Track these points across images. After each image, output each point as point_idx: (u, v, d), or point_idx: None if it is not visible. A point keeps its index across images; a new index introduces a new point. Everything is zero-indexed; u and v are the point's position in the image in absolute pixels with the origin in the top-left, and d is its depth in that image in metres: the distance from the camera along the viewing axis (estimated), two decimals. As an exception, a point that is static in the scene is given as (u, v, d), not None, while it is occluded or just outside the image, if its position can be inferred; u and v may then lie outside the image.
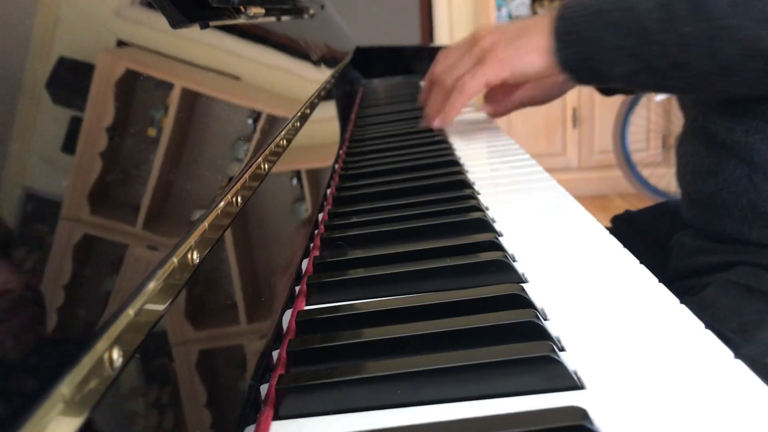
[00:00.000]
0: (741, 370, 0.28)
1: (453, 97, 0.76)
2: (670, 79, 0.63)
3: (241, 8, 0.59)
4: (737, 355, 0.29)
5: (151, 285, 0.25)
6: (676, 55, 0.60)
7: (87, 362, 0.20)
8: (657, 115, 3.04)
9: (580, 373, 0.29)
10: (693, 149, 0.72)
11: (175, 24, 0.43)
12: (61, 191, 0.25)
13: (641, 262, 0.40)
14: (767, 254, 0.63)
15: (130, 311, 0.23)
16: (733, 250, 0.66)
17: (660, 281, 0.37)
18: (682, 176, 0.75)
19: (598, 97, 3.09)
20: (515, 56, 0.71)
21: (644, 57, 0.62)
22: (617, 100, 2.83)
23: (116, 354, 0.21)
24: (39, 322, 0.21)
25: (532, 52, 0.70)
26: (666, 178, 2.82)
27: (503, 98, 0.89)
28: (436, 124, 0.80)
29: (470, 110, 1.03)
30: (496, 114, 0.93)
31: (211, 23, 0.50)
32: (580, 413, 0.26)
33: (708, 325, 0.32)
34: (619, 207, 2.80)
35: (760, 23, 0.56)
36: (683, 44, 0.59)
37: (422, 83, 0.92)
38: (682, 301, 0.34)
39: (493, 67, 0.72)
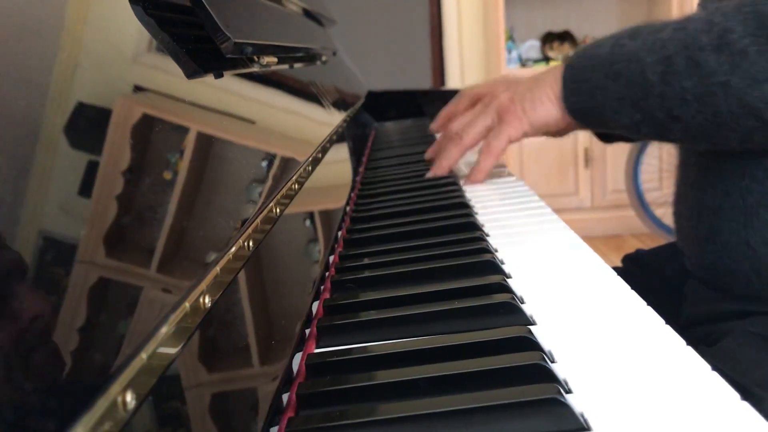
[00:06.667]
0: (748, 412, 0.29)
1: (482, 160, 0.79)
2: (670, 132, 0.64)
3: (255, 58, 0.61)
4: (762, 411, 0.29)
5: (164, 329, 0.25)
6: (675, 107, 0.61)
7: (101, 405, 0.20)
8: (669, 155, 3.04)
9: (586, 416, 0.29)
10: (687, 213, 0.72)
11: (190, 74, 0.45)
12: (78, 235, 0.26)
13: (652, 303, 0.41)
14: None
15: (143, 355, 0.23)
16: (747, 299, 0.65)
17: (671, 323, 0.38)
18: (680, 238, 0.75)
19: (609, 137, 3.11)
20: (531, 109, 0.72)
21: (645, 108, 0.63)
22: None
23: (129, 397, 0.22)
24: (55, 365, 0.21)
25: (547, 102, 0.71)
26: (680, 217, 2.81)
27: None
28: (465, 183, 0.82)
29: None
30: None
31: (225, 73, 0.52)
32: (587, 456, 0.26)
33: (729, 379, 0.31)
34: (633, 247, 2.79)
35: (752, 83, 0.56)
36: (680, 98, 0.60)
37: (432, 126, 0.94)
38: (699, 351, 0.34)
39: (513, 124, 0.73)
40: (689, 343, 0.35)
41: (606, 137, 0.90)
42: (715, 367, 0.32)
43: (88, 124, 0.31)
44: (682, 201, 0.74)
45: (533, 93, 0.72)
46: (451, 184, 0.78)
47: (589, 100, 0.67)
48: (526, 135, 0.74)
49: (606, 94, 0.65)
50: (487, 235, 0.58)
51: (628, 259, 0.89)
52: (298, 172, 0.55)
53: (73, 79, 0.32)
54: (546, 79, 0.72)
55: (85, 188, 0.28)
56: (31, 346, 0.21)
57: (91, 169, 0.29)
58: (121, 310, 0.26)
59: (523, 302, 0.43)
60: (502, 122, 0.74)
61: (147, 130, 0.36)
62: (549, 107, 0.71)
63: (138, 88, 0.38)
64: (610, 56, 0.65)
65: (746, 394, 0.30)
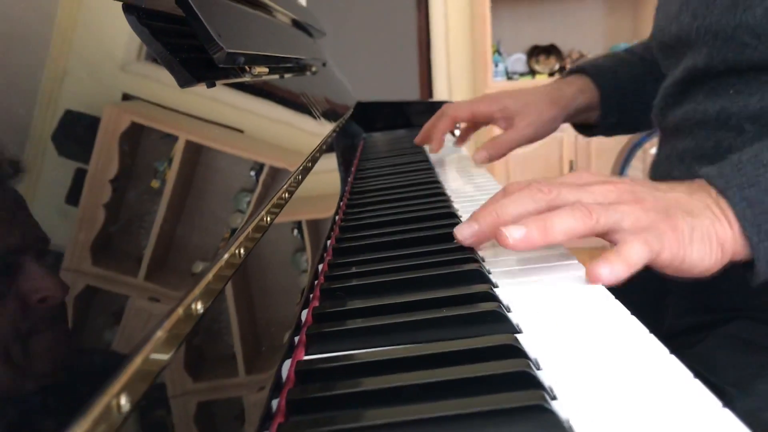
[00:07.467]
0: (729, 418, 0.29)
1: (618, 255, 0.48)
2: None
3: (246, 68, 0.61)
4: (734, 409, 0.29)
5: (158, 334, 0.26)
6: None
7: (97, 408, 0.20)
8: (654, 168, 3.07)
9: (572, 422, 0.30)
10: None
11: (183, 83, 0.45)
12: (66, 242, 0.26)
13: (635, 313, 0.41)
14: (765, 309, 0.63)
15: (138, 359, 0.24)
16: (729, 308, 0.65)
17: (656, 333, 0.38)
18: None
19: (594, 149, 3.13)
20: (689, 240, 0.50)
21: None
22: (613, 152, 2.87)
23: (124, 401, 0.22)
24: (51, 369, 0.22)
25: (713, 244, 0.51)
26: (664, 230, 2.84)
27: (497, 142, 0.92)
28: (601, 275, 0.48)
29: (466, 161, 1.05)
30: (492, 159, 0.94)
31: (217, 82, 0.52)
32: (572, 461, 0.27)
33: (704, 379, 0.32)
34: (619, 258, 2.80)
35: None
36: None
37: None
38: (678, 355, 0.35)
39: (669, 244, 0.49)
40: (672, 351, 0.35)
41: (586, 129, 0.92)
42: (690, 368, 0.33)
43: (82, 132, 0.31)
44: None
45: (695, 219, 0.51)
46: (439, 194, 0.79)
47: None
48: (670, 267, 0.51)
49: None
50: (475, 245, 0.59)
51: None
52: (289, 182, 0.56)
53: (67, 88, 0.33)
54: (704, 213, 0.51)
55: (76, 194, 0.28)
56: (29, 349, 0.21)
57: (80, 176, 0.29)
58: (109, 318, 0.26)
59: (509, 311, 0.44)
60: (657, 231, 0.49)
61: (140, 139, 0.36)
62: (714, 250, 0.51)
63: (131, 97, 0.39)
64: None
65: (720, 394, 0.31)
